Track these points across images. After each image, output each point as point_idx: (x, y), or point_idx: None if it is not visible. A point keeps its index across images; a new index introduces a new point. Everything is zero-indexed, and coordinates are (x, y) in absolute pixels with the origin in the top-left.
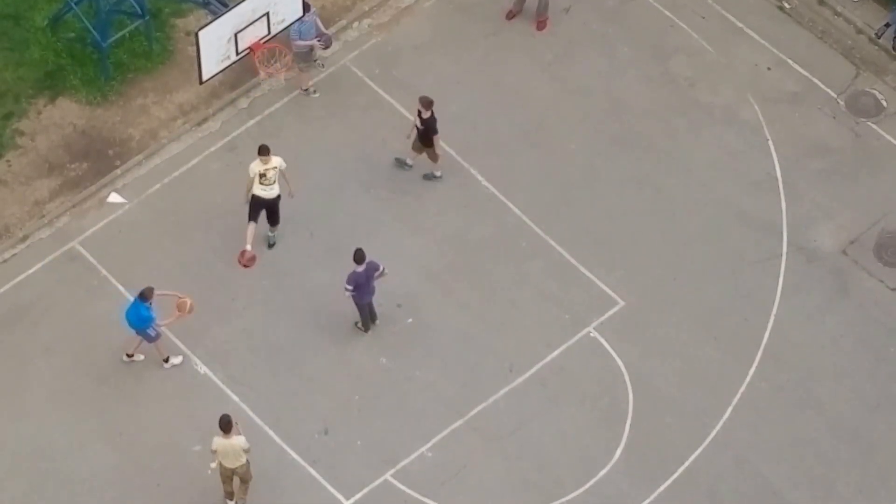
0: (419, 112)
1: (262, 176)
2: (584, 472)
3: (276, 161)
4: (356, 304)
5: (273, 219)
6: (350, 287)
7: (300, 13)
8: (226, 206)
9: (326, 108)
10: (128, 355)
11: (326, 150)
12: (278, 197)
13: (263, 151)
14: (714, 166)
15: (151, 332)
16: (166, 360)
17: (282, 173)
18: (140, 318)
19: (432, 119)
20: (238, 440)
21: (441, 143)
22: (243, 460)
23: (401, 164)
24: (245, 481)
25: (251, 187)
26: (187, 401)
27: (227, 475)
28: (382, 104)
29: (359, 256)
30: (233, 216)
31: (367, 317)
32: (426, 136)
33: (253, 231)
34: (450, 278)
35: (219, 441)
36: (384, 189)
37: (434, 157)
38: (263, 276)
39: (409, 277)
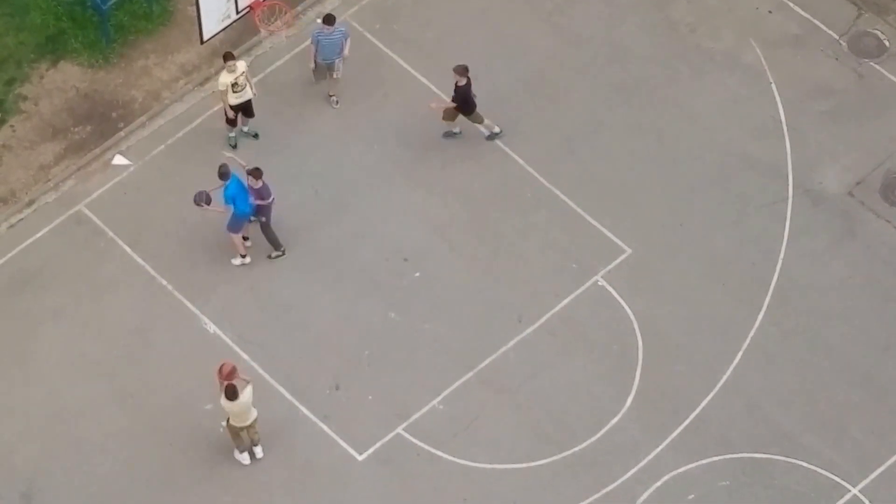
0: (456, 83)
1: (234, 85)
2: (596, 421)
3: (241, 66)
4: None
5: (249, 113)
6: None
7: None
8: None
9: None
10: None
11: (329, 106)
12: (251, 99)
13: (228, 57)
14: (717, 112)
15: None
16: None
17: (246, 76)
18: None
19: (468, 87)
20: (245, 395)
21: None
22: (255, 415)
23: (450, 135)
24: (252, 424)
25: (226, 99)
26: (197, 360)
27: (238, 433)
28: (383, 59)
29: (257, 173)
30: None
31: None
32: (466, 104)
33: (242, 240)
34: (456, 231)
35: (229, 405)
36: (388, 144)
37: (479, 119)
38: None
39: (416, 231)
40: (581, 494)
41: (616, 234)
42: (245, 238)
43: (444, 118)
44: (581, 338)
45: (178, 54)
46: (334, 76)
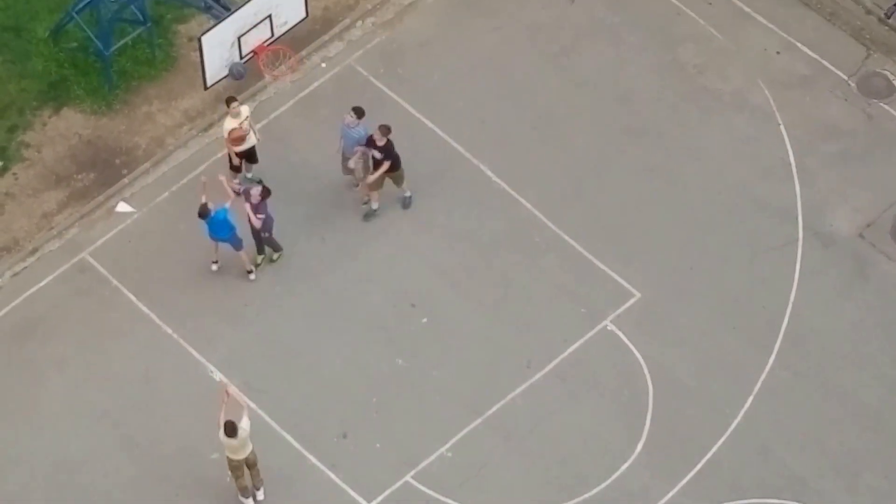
0: (374, 141)
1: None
2: (606, 467)
3: (245, 111)
4: (266, 233)
5: (252, 159)
6: (262, 215)
7: (303, 14)
8: (234, 210)
9: (332, 108)
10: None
11: (334, 151)
12: (254, 145)
13: (231, 101)
14: (726, 153)
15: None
16: (250, 272)
17: (250, 121)
18: (220, 223)
19: (390, 144)
20: (243, 425)
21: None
22: (250, 447)
23: (370, 214)
24: (254, 465)
25: (229, 144)
26: (204, 409)
27: (237, 466)
28: (389, 103)
29: (266, 192)
30: (242, 224)
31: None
32: (397, 160)
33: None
34: (463, 276)
35: (229, 441)
36: (393, 188)
37: (400, 180)
38: (275, 282)
39: (423, 277)
40: None
41: (625, 278)
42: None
43: (373, 188)
44: (591, 383)
45: (182, 100)
46: (349, 165)
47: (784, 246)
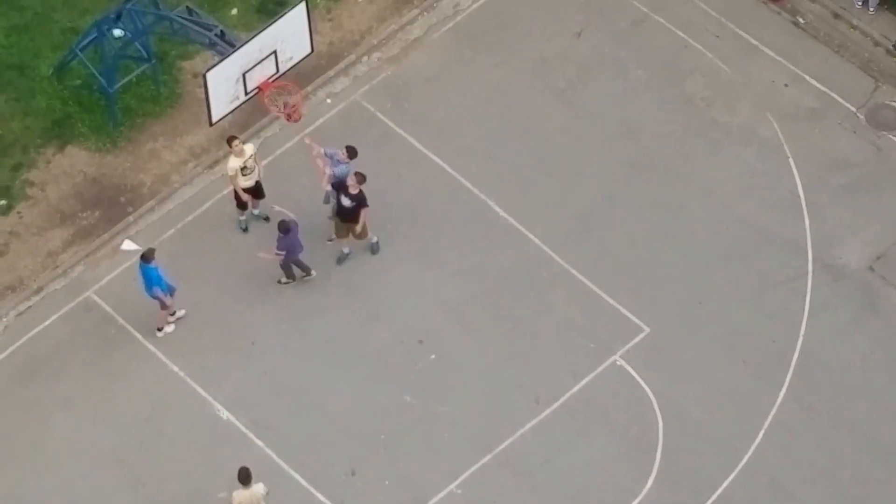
0: (347, 187)
1: (243, 169)
2: (617, 502)
3: (249, 149)
4: (285, 263)
5: (259, 194)
6: (282, 252)
7: (308, 49)
8: (241, 248)
9: (339, 144)
10: (158, 329)
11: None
12: (259, 181)
13: (232, 140)
14: (735, 186)
15: (163, 296)
16: (160, 329)
17: (255, 158)
18: (150, 278)
19: (362, 195)
20: (257, 488)
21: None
22: None
23: (342, 258)
24: None
25: (237, 183)
26: (210, 447)
27: None
28: (395, 138)
29: (283, 227)
30: (248, 260)
31: (291, 270)
32: (356, 211)
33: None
34: (471, 312)
35: (240, 494)
36: (401, 224)
37: (363, 234)
38: (282, 319)
39: (430, 313)
40: None
41: (634, 313)
42: (172, 312)
43: (340, 235)
44: (600, 418)
45: (187, 137)
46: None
47: (794, 279)
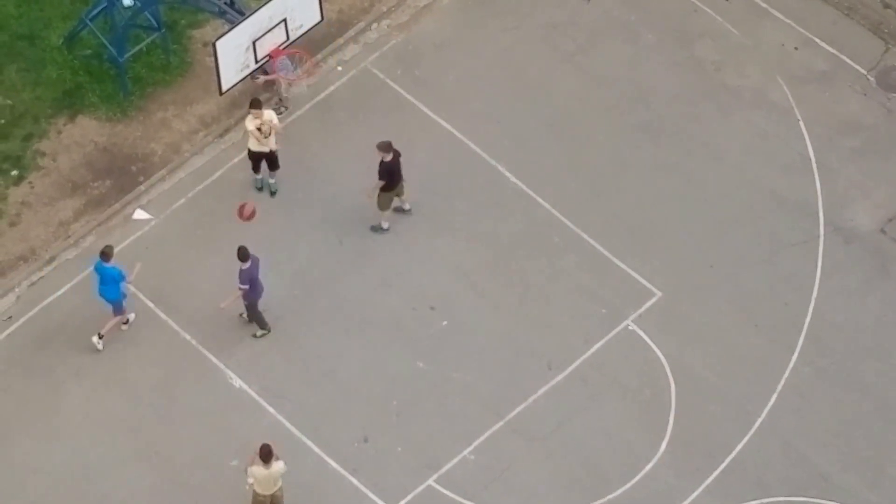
0: (381, 159)
1: (258, 130)
2: (630, 467)
3: (268, 115)
4: (249, 303)
5: (273, 165)
6: (245, 285)
7: (318, 17)
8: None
9: (349, 112)
10: (99, 336)
11: (351, 154)
12: (274, 151)
13: (255, 105)
14: (745, 150)
15: (122, 301)
16: (101, 336)
17: (275, 128)
18: (111, 277)
19: (393, 162)
20: (277, 466)
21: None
22: (279, 484)
23: (377, 229)
24: (278, 501)
25: (252, 141)
26: (223, 415)
27: (262, 501)
28: (406, 105)
29: (242, 254)
30: (260, 225)
31: (262, 316)
32: (392, 179)
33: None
34: (483, 278)
35: (259, 471)
36: (412, 191)
37: (402, 191)
38: (294, 286)
39: (442, 279)
40: None
41: (645, 277)
42: (125, 321)
43: (380, 207)
44: (612, 383)
45: (198, 105)
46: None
47: (805, 242)
